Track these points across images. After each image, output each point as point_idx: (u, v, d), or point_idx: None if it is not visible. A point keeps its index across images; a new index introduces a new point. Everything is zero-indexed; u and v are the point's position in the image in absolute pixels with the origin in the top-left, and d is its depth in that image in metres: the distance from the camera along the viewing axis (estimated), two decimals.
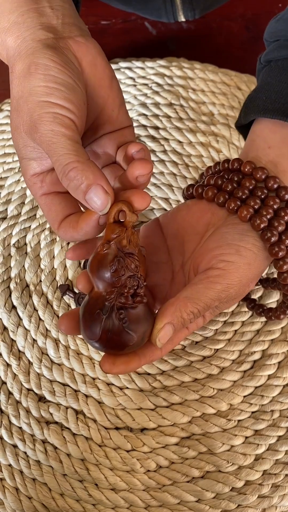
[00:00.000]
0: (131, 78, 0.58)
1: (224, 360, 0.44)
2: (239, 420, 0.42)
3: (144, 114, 0.56)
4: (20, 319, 0.47)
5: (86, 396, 0.43)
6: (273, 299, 0.46)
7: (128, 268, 0.31)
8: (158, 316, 0.32)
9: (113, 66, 0.59)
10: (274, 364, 0.43)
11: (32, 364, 0.45)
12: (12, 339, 0.46)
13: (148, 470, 0.40)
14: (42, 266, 0.49)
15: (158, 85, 0.57)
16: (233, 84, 0.57)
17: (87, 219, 0.32)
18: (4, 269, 0.49)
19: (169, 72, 0.58)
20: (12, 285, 0.48)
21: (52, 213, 0.35)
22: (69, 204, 0.35)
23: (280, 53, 0.39)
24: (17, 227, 0.51)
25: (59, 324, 0.34)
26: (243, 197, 0.35)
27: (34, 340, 0.46)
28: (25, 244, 0.50)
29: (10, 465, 0.41)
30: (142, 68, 0.59)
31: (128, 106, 0.56)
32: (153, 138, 0.55)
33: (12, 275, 0.48)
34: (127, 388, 0.43)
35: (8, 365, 0.45)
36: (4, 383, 0.44)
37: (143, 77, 0.58)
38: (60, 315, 0.46)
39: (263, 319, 0.45)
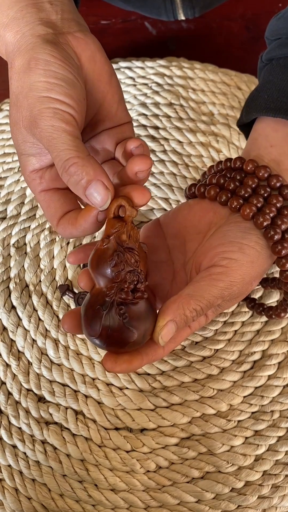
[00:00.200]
0: (131, 78, 0.58)
1: (224, 360, 0.44)
2: (239, 421, 0.41)
3: (144, 114, 0.56)
4: (20, 319, 0.46)
5: (86, 396, 0.43)
6: (273, 299, 0.46)
7: (127, 262, 0.31)
8: (160, 314, 0.32)
9: (113, 66, 0.58)
10: (274, 364, 0.43)
11: (31, 364, 0.45)
12: (12, 339, 0.46)
13: (148, 471, 0.40)
14: (41, 266, 0.49)
15: (158, 85, 0.57)
16: (233, 84, 0.57)
17: (86, 216, 0.32)
18: (3, 269, 0.49)
19: (169, 72, 0.58)
20: (11, 285, 0.48)
21: (51, 210, 0.35)
22: (68, 200, 0.35)
23: (282, 51, 0.39)
24: (17, 227, 0.51)
25: (62, 323, 0.34)
26: (246, 195, 0.35)
27: (34, 340, 0.45)
28: (25, 244, 0.50)
29: (9, 465, 0.41)
30: (142, 68, 0.59)
31: (128, 106, 0.56)
32: (153, 138, 0.55)
33: (12, 275, 0.48)
34: (127, 388, 0.43)
35: (7, 366, 0.45)
36: (3, 383, 0.44)
37: (143, 77, 0.58)
38: (59, 315, 0.46)
39: (263, 319, 0.45)
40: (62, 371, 0.44)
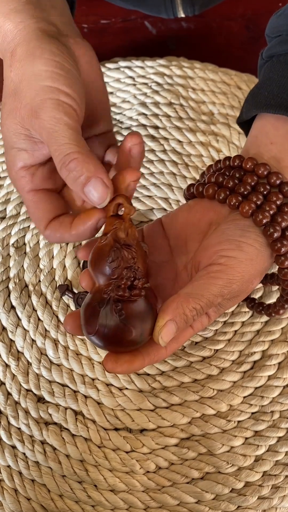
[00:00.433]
0: (130, 77, 0.58)
1: (224, 360, 0.43)
2: (239, 421, 0.41)
3: (143, 114, 0.56)
4: (19, 319, 0.46)
5: (85, 396, 0.43)
6: (273, 299, 0.45)
7: (124, 259, 0.31)
8: (160, 313, 0.32)
9: (113, 66, 0.59)
10: (274, 364, 0.43)
11: (31, 364, 0.44)
12: (11, 339, 0.46)
13: (148, 471, 0.40)
14: (41, 266, 0.49)
15: (158, 84, 0.57)
16: (233, 83, 0.57)
17: (86, 220, 0.32)
18: (3, 269, 0.48)
19: (169, 71, 0.58)
20: (11, 285, 0.48)
21: (39, 212, 0.34)
22: (58, 205, 0.34)
23: (282, 48, 0.39)
24: (16, 226, 0.51)
25: (64, 324, 0.34)
26: (245, 193, 0.35)
27: (33, 341, 0.45)
28: (24, 244, 0.50)
29: (9, 466, 0.41)
30: (142, 68, 0.58)
31: (127, 106, 0.56)
32: (152, 138, 0.54)
33: (11, 275, 0.48)
34: (127, 388, 0.43)
35: (7, 366, 0.45)
36: (3, 383, 0.44)
37: (143, 76, 0.58)
38: (59, 315, 0.46)
39: (263, 319, 0.45)
40: (62, 371, 0.44)
